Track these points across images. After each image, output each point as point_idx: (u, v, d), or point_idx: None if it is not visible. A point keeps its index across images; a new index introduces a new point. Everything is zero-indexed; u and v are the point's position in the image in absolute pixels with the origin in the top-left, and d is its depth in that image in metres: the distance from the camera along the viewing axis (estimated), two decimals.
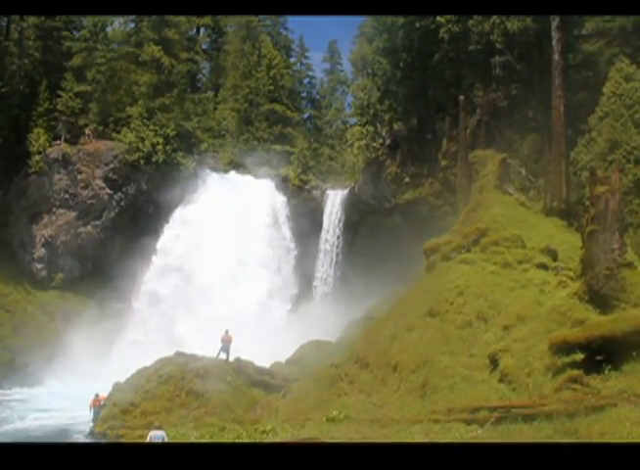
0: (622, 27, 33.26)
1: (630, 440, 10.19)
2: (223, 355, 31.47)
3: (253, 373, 29.73)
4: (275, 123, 61.11)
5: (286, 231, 49.53)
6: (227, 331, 31.79)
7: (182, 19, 54.99)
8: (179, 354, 30.62)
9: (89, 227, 49.82)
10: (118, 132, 51.32)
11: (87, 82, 52.13)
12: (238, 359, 30.38)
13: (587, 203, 18.53)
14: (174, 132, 50.80)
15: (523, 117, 36.42)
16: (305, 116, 73.63)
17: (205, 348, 31.07)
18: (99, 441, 25.41)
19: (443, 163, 39.46)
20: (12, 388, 38.45)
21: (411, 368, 20.20)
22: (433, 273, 26.89)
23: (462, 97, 35.95)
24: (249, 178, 51.95)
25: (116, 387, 29.27)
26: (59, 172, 49.38)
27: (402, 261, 35.21)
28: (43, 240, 48.78)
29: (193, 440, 17.87)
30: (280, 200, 50.79)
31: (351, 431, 14.70)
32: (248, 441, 15.91)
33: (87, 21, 53.75)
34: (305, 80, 76.76)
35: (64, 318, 46.43)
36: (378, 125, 47.06)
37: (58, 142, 50.11)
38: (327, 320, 37.80)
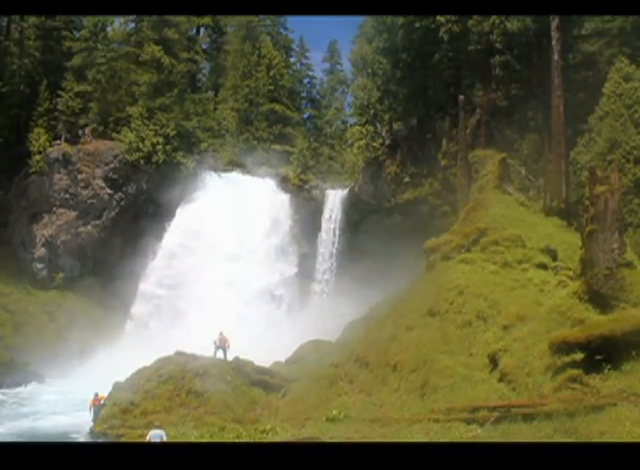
0: (622, 28, 33.26)
1: (630, 439, 10.22)
2: (221, 355, 31.48)
3: (253, 373, 29.70)
4: (275, 123, 61.17)
5: (285, 231, 49.51)
6: (221, 333, 31.85)
7: (182, 19, 54.88)
8: (179, 354, 30.56)
9: (89, 227, 49.81)
10: (118, 132, 51.28)
11: (87, 82, 52.05)
12: (237, 359, 30.34)
13: (587, 202, 18.52)
14: (174, 132, 50.76)
15: (522, 117, 36.45)
16: (305, 115, 73.69)
17: (205, 347, 31.10)
18: (99, 440, 25.41)
19: (443, 162, 39.49)
20: (12, 387, 38.41)
21: (411, 368, 20.21)
22: (432, 273, 26.91)
23: (462, 97, 35.96)
24: (249, 178, 51.98)
25: (116, 386, 29.23)
26: (59, 172, 49.36)
27: (402, 261, 35.21)
28: (43, 240, 48.78)
29: (193, 439, 17.88)
30: (280, 199, 50.75)
31: (351, 430, 14.73)
32: (248, 440, 15.93)
33: (87, 21, 53.64)
34: (305, 80, 76.86)
35: (64, 318, 46.45)
36: (378, 125, 47.10)
37: (58, 142, 50.08)
38: (327, 320, 37.75)
